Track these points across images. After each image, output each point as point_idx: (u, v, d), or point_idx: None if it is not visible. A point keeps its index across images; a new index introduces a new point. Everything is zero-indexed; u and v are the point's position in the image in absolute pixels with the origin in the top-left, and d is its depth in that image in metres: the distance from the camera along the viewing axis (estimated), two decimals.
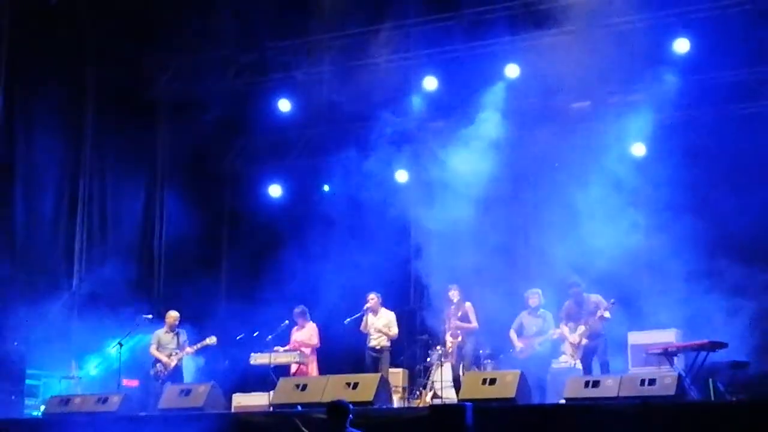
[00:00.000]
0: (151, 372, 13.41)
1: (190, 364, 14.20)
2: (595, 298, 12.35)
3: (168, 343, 13.40)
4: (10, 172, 14.78)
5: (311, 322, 13.91)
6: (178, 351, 13.35)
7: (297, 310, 13.85)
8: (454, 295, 12.96)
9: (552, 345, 12.80)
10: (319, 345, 13.80)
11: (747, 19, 13.78)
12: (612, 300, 12.25)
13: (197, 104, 16.75)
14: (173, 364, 13.30)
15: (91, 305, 14.79)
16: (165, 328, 13.53)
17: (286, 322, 13.83)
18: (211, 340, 13.50)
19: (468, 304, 12.97)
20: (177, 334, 13.48)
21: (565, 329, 12.40)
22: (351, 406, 8.92)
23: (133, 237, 16.32)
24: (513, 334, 12.76)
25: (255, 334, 13.95)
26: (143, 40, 16.06)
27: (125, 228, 16.24)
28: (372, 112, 15.33)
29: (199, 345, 13.46)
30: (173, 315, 13.60)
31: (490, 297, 14.01)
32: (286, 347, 13.77)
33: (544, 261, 14.60)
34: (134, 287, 15.04)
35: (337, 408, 8.83)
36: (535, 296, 12.81)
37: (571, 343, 12.34)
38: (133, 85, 16.31)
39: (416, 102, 15.91)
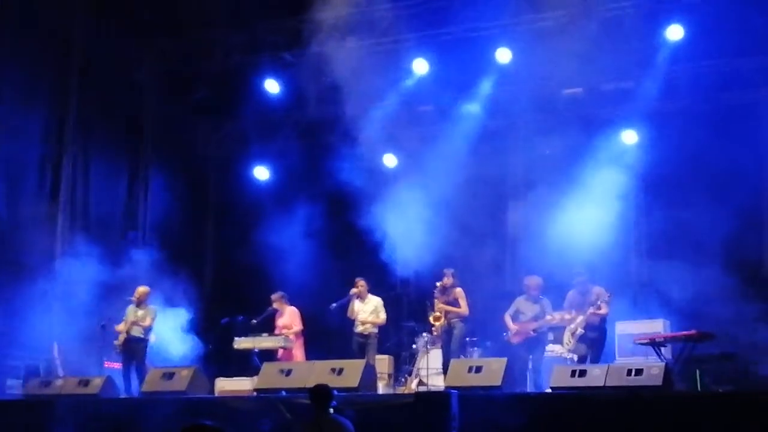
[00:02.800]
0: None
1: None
2: (598, 290, 12.21)
3: (132, 319, 13.21)
4: None
5: (291, 306, 13.78)
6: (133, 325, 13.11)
7: (275, 296, 13.73)
8: (447, 280, 12.82)
9: (548, 332, 12.67)
10: (301, 328, 13.67)
11: (740, 6, 13.70)
12: (609, 294, 12.12)
13: (184, 84, 16.60)
14: (122, 338, 13.06)
15: (73, 287, 14.65)
16: (134, 303, 13.34)
17: (274, 306, 13.72)
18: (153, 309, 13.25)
19: (458, 290, 12.85)
20: (144, 309, 13.21)
21: (567, 317, 12.28)
22: (334, 392, 8.82)
23: (117, 218, 16.14)
24: (507, 318, 12.62)
25: (239, 319, 13.85)
26: (131, 20, 15.85)
27: (109, 209, 16.05)
28: (361, 94, 15.19)
29: (149, 320, 13.13)
30: (140, 290, 13.36)
31: (477, 283, 13.94)
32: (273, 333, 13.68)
33: (533, 247, 14.54)
34: (117, 269, 14.90)
35: (318, 392, 8.75)
36: (534, 283, 12.65)
37: (569, 329, 12.24)
38: (120, 65, 16.11)
39: (406, 85, 15.78)
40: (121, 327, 13.19)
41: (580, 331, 12.07)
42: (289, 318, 13.71)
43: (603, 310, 12.09)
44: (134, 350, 13.05)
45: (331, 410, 8.72)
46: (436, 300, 12.83)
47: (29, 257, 14.76)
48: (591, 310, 12.04)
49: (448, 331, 12.68)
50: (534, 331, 12.31)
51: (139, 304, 13.24)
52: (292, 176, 16.83)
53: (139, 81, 16.62)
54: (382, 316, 13.15)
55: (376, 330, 13.13)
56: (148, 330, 13.21)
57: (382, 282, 14.61)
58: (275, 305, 13.71)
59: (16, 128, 14.93)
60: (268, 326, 13.80)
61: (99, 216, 15.86)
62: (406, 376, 13.83)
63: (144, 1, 15.76)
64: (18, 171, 14.95)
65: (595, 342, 12.04)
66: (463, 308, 12.73)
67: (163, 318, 13.70)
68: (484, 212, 14.89)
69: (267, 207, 16.43)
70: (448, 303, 12.74)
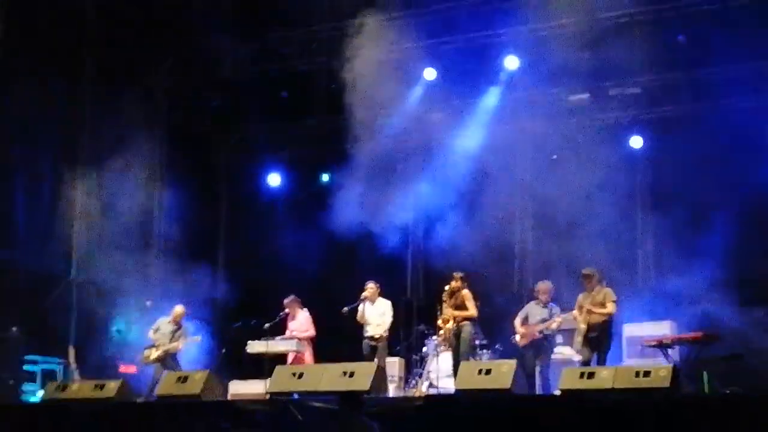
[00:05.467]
0: (139, 356, 13.51)
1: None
2: (606, 291, 12.18)
3: (165, 332, 13.44)
4: (9, 160, 14.78)
5: (303, 310, 13.87)
6: (165, 343, 13.36)
7: (287, 300, 13.80)
8: (455, 284, 12.88)
9: (555, 335, 12.72)
10: (313, 334, 13.78)
11: (747, 12, 13.78)
12: (616, 297, 12.16)
13: (196, 93, 16.76)
14: (152, 356, 13.36)
15: (89, 292, 14.82)
16: (169, 318, 13.60)
17: (286, 311, 13.81)
18: (197, 338, 13.51)
19: (466, 293, 12.85)
20: (178, 328, 13.52)
21: (578, 317, 12.30)
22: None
23: (131, 224, 16.26)
24: (517, 321, 12.68)
25: (252, 323, 13.97)
26: (142, 29, 16.01)
27: (123, 215, 16.18)
28: (371, 102, 15.33)
29: (184, 341, 13.42)
30: (178, 310, 13.67)
31: (487, 287, 14.04)
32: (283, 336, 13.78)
33: (542, 251, 14.64)
34: (132, 274, 15.07)
35: (347, 397, 9.26)
36: (544, 288, 12.72)
37: (578, 329, 12.26)
38: (132, 74, 16.25)
39: (415, 92, 15.90)
40: (152, 334, 13.40)
41: (582, 327, 12.06)
42: (301, 322, 13.81)
43: (608, 309, 12.07)
44: (171, 362, 13.35)
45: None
46: (444, 303, 12.90)
47: (46, 262, 14.92)
48: (588, 306, 12.04)
49: (456, 334, 12.74)
50: (540, 333, 12.35)
51: (175, 322, 13.52)
52: (304, 182, 16.95)
53: (151, 89, 16.77)
54: (388, 320, 13.19)
55: (386, 333, 13.18)
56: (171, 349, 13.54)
57: (393, 285, 14.70)
58: (288, 308, 13.80)
59: (31, 138, 15.08)
60: (279, 330, 13.89)
61: (114, 223, 15.98)
62: (417, 378, 13.91)
63: (156, 11, 15.91)
64: (34, 180, 15.11)
65: (598, 342, 11.99)
66: (471, 310, 12.76)
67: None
68: (494, 216, 14.99)
69: (279, 213, 16.55)
70: (456, 306, 12.78)
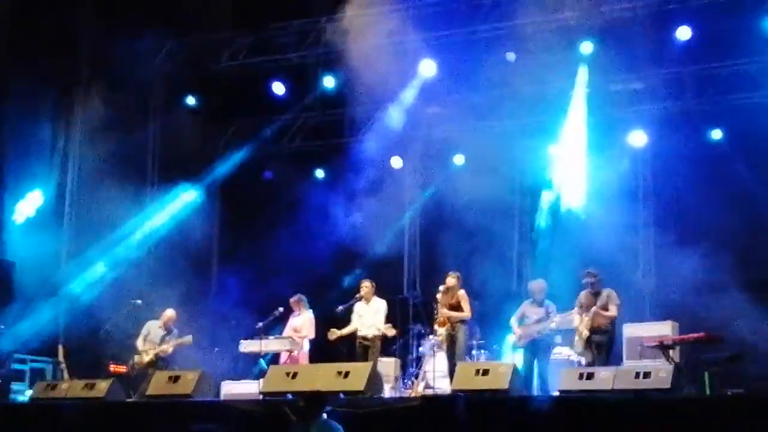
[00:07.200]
0: (130, 362, 13.39)
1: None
2: (609, 292, 12.02)
3: (155, 338, 13.31)
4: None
5: (308, 311, 13.68)
6: (155, 347, 13.21)
7: (293, 299, 13.62)
8: (450, 282, 12.71)
9: (553, 335, 12.57)
10: (312, 336, 13.57)
11: (748, 8, 13.67)
12: (618, 302, 11.99)
13: (192, 85, 16.63)
14: (146, 359, 13.24)
15: (78, 290, 14.70)
16: (159, 323, 13.46)
17: (280, 309, 13.64)
18: (187, 339, 13.35)
19: (461, 293, 12.71)
20: (168, 332, 13.38)
21: (577, 318, 12.13)
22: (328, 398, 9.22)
23: (124, 222, 16.12)
24: (514, 322, 12.53)
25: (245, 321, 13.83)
26: (138, 21, 15.86)
27: (116, 213, 16.02)
28: (367, 95, 15.19)
29: (174, 343, 13.27)
30: (169, 315, 13.53)
31: (485, 285, 13.92)
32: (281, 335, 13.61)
33: (540, 249, 14.53)
34: (123, 273, 14.92)
35: (312, 397, 9.17)
36: (538, 287, 12.55)
37: (577, 330, 12.10)
38: (127, 66, 16.10)
39: (412, 86, 15.75)
40: (141, 343, 13.27)
41: (585, 333, 11.91)
42: (303, 322, 13.62)
43: (611, 312, 11.92)
44: (162, 366, 13.22)
45: (324, 415, 9.02)
46: (439, 303, 12.74)
47: (35, 261, 14.79)
48: (595, 308, 11.86)
49: (451, 335, 12.59)
50: (538, 333, 12.19)
51: (165, 326, 13.38)
52: (298, 178, 16.82)
53: (146, 81, 16.63)
54: (381, 320, 13.02)
55: (380, 333, 13.02)
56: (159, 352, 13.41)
57: (390, 284, 14.56)
58: (293, 307, 13.61)
59: (23, 131, 14.98)
60: (276, 328, 13.70)
61: (105, 221, 15.81)
62: (413, 379, 13.78)
63: (151, 2, 15.77)
64: (23, 177, 14.99)
65: (601, 346, 11.82)
66: (466, 311, 12.60)
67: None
68: (492, 215, 14.87)
69: (274, 208, 16.43)
70: (450, 306, 12.63)
